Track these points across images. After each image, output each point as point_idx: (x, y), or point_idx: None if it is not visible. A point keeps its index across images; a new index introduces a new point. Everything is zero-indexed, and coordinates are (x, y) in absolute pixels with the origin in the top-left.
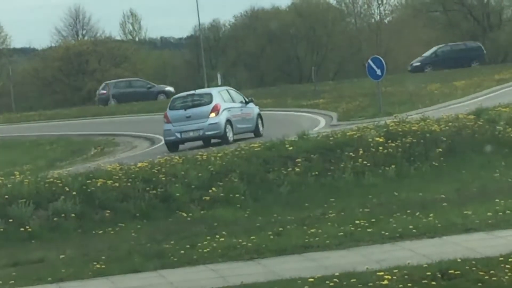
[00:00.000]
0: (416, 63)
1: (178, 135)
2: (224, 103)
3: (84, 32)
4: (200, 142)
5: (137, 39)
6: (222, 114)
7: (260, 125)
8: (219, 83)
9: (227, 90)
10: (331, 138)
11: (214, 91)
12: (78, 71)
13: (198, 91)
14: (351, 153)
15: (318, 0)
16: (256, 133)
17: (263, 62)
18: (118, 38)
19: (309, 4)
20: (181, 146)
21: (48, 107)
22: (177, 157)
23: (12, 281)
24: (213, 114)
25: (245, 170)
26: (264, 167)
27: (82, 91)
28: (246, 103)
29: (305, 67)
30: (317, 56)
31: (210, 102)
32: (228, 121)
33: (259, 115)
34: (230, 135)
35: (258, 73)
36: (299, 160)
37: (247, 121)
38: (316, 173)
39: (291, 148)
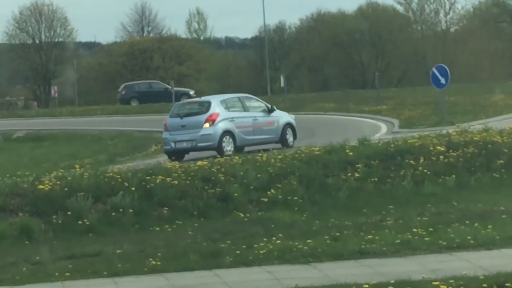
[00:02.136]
0: None
1: (173, 144)
2: (227, 113)
3: (149, 28)
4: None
5: (202, 38)
6: (218, 125)
7: (289, 135)
8: (282, 85)
9: (239, 98)
10: (392, 145)
11: (215, 99)
12: (142, 68)
13: (200, 98)
14: (411, 161)
15: (385, 6)
16: (283, 143)
17: (327, 66)
18: (183, 36)
19: (375, 10)
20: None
21: (110, 102)
22: (237, 157)
23: (68, 273)
24: (207, 125)
25: (304, 173)
26: (323, 171)
27: None
28: (269, 111)
29: (369, 73)
30: (381, 62)
31: (207, 111)
32: (227, 132)
33: (289, 125)
34: (228, 148)
35: (322, 77)
36: (359, 165)
37: (265, 132)
38: (376, 179)
39: (351, 153)
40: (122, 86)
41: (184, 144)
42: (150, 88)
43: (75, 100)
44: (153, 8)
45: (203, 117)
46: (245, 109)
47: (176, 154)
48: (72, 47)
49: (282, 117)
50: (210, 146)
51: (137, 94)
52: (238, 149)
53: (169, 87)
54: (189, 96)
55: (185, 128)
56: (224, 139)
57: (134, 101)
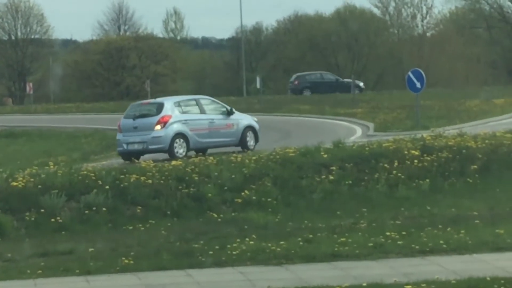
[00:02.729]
0: None
1: (125, 146)
2: (180, 115)
3: (126, 27)
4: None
5: (178, 37)
6: (170, 127)
7: (249, 138)
8: (258, 86)
9: (195, 100)
10: (366, 148)
11: (168, 101)
12: (118, 66)
13: (153, 100)
14: (385, 165)
15: (362, 9)
16: (243, 146)
17: (303, 68)
18: (160, 35)
19: (352, 13)
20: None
21: (86, 100)
22: (211, 158)
23: (40, 271)
24: (158, 127)
25: (279, 174)
26: (297, 173)
27: (120, 86)
28: (229, 114)
29: (345, 76)
30: (357, 65)
31: (159, 113)
32: (180, 135)
33: (250, 127)
34: (180, 151)
35: None
36: (333, 168)
37: (223, 134)
38: (350, 182)
39: (326, 155)
40: (294, 76)
41: (136, 146)
42: (322, 79)
43: (50, 97)
44: (130, 7)
45: (155, 119)
46: (202, 111)
47: (130, 156)
48: (47, 44)
49: (242, 119)
50: (161, 148)
51: (310, 84)
52: (199, 152)
53: (340, 78)
54: (360, 89)
55: (137, 130)
56: (176, 141)
57: (307, 91)
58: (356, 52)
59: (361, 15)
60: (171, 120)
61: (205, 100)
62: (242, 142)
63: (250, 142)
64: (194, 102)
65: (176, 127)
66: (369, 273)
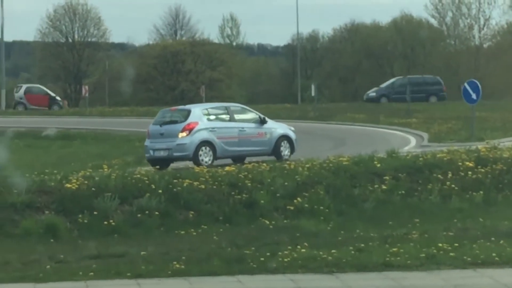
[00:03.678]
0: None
1: (152, 152)
2: (207, 122)
3: (182, 32)
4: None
5: (234, 43)
6: (195, 134)
7: (283, 148)
8: (313, 94)
9: (225, 108)
10: (420, 159)
11: (196, 108)
12: (173, 71)
13: (182, 106)
14: (439, 175)
15: (419, 19)
16: (277, 155)
17: (358, 77)
18: (215, 41)
19: (409, 22)
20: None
21: (141, 104)
22: (264, 164)
23: (92, 273)
24: (183, 134)
25: (332, 183)
26: (350, 182)
27: (175, 91)
28: (261, 122)
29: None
30: (413, 74)
31: (185, 120)
32: (206, 143)
33: (285, 137)
34: (206, 159)
35: (353, 87)
36: (387, 177)
37: (254, 143)
38: (403, 192)
39: (379, 165)
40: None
41: (161, 153)
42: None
43: (105, 100)
44: (186, 12)
45: (180, 126)
46: (231, 119)
47: (158, 163)
48: (104, 48)
49: (276, 128)
50: (185, 156)
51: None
52: (236, 160)
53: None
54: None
55: (163, 137)
56: (202, 149)
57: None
58: (412, 62)
59: (417, 24)
60: (197, 128)
61: (236, 108)
62: (275, 152)
63: (284, 151)
64: (224, 110)
65: (201, 135)
66: (420, 284)
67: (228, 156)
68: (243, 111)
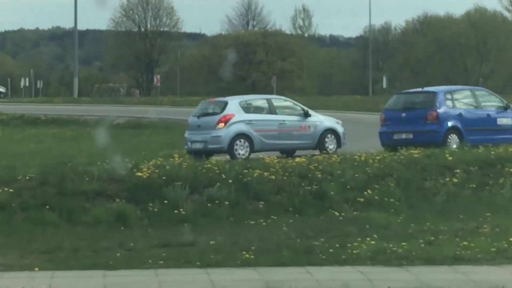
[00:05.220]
0: None
1: (190, 144)
2: (244, 115)
3: (254, 23)
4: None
5: (306, 34)
6: (231, 127)
7: (329, 142)
8: (384, 85)
9: (266, 100)
10: (492, 152)
11: (234, 100)
12: (245, 61)
13: (220, 98)
14: (511, 169)
15: (493, 12)
16: (321, 149)
17: (430, 69)
18: (287, 32)
19: (483, 15)
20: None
21: (211, 94)
22: (335, 156)
23: (161, 262)
24: (219, 126)
25: (402, 175)
26: (421, 175)
27: (246, 81)
28: (305, 115)
29: (472, 78)
30: (485, 67)
31: (221, 112)
32: (242, 135)
33: (331, 130)
34: (242, 152)
35: (424, 79)
36: (458, 171)
37: (295, 137)
38: (474, 185)
39: (450, 158)
40: None
41: (198, 145)
42: None
43: (176, 90)
44: (259, 2)
45: (216, 118)
46: (272, 111)
47: (199, 154)
48: (176, 37)
49: (322, 122)
50: (220, 148)
51: None
52: (283, 153)
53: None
54: None
55: (200, 129)
56: (237, 142)
57: None
58: (485, 55)
59: (491, 18)
60: (233, 120)
61: (277, 100)
62: (319, 145)
63: (330, 145)
64: (264, 102)
65: (237, 127)
66: (491, 279)
67: (267, 149)
68: (285, 104)
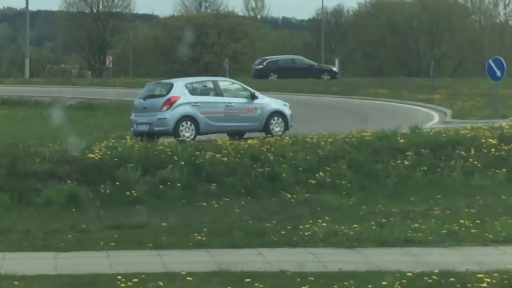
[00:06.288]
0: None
1: (135, 126)
2: (190, 97)
3: (207, 4)
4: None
5: (259, 16)
6: (176, 109)
7: (275, 124)
8: (337, 68)
9: (213, 82)
10: (443, 135)
11: (179, 82)
12: (197, 43)
13: (166, 80)
14: (462, 152)
15: None
16: (267, 132)
17: (382, 52)
18: (240, 13)
19: None
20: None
21: (164, 75)
22: (287, 138)
23: (113, 243)
24: (164, 108)
25: (354, 158)
26: (373, 157)
27: (199, 63)
28: (252, 97)
29: (424, 61)
30: (437, 51)
31: (167, 94)
32: (188, 117)
33: (278, 113)
34: (187, 134)
35: (376, 62)
36: (409, 153)
37: (242, 119)
38: (425, 168)
39: (402, 140)
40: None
41: (144, 127)
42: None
43: (129, 71)
44: None
45: (162, 100)
46: (218, 93)
47: (146, 136)
48: (129, 19)
49: (269, 104)
50: (166, 130)
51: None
52: (231, 135)
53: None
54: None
55: (146, 111)
56: (182, 124)
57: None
58: (437, 38)
59: (443, 0)
60: (178, 102)
61: (224, 82)
62: (266, 128)
63: (276, 128)
64: (210, 84)
65: (182, 109)
66: (441, 260)
67: (213, 132)
68: (231, 86)
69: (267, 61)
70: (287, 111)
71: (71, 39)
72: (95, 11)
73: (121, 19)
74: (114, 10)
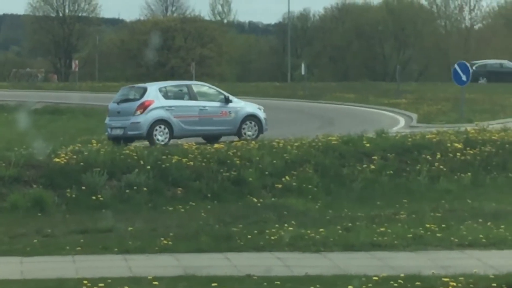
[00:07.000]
0: None
1: (110, 130)
2: (164, 101)
3: (173, 8)
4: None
5: (225, 21)
6: (150, 113)
7: (248, 128)
8: (303, 72)
9: (186, 86)
10: (409, 139)
11: (152, 86)
12: (164, 47)
13: (139, 84)
14: (428, 156)
15: (411, 0)
16: (239, 135)
17: (349, 57)
18: (206, 18)
19: (400, 3)
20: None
21: (130, 79)
22: (253, 142)
23: (79, 248)
24: (138, 112)
25: (320, 162)
26: (339, 161)
27: (165, 67)
28: (226, 101)
29: (390, 66)
30: (403, 55)
31: (140, 98)
32: (161, 121)
33: (253, 116)
34: (161, 138)
35: (343, 67)
36: (375, 157)
37: (216, 123)
38: (391, 172)
39: (368, 144)
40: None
41: (118, 131)
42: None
43: (95, 75)
44: None
45: (135, 104)
46: (192, 97)
47: (118, 141)
48: (95, 23)
49: (243, 107)
50: (139, 135)
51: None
52: (207, 139)
53: None
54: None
55: (120, 115)
56: (156, 128)
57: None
58: (403, 42)
59: (409, 5)
60: (152, 106)
61: (198, 86)
62: (240, 131)
63: (249, 132)
64: (184, 88)
65: (156, 113)
66: (407, 264)
67: (187, 136)
68: (205, 90)
69: (476, 65)
70: (261, 114)
71: (37, 43)
72: (61, 15)
73: (87, 23)
74: (80, 14)
